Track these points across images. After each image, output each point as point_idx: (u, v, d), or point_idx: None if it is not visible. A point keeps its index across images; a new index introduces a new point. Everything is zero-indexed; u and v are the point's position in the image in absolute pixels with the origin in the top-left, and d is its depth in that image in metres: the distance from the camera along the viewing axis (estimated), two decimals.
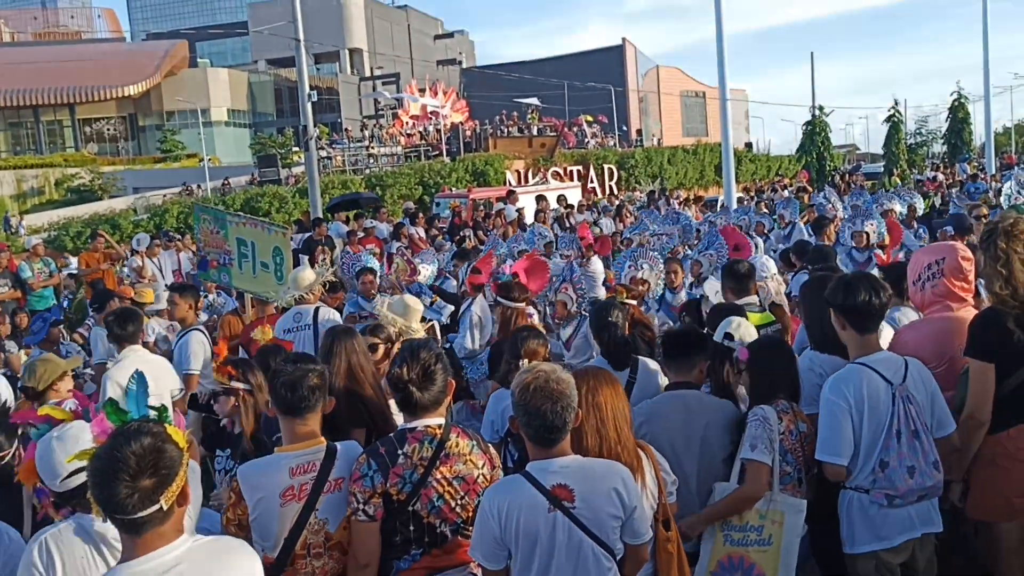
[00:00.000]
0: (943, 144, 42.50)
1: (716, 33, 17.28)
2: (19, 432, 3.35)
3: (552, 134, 31.99)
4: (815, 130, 30.87)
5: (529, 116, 33.34)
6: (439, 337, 7.04)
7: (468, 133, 31.92)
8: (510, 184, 25.46)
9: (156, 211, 27.22)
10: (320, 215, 16.91)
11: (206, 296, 9.48)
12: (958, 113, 38.28)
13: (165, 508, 2.01)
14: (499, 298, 5.72)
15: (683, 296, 7.12)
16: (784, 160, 40.88)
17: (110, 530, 2.43)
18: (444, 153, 30.35)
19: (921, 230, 11.04)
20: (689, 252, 9.96)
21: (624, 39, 67.25)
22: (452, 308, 8.36)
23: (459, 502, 2.93)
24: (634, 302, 5.45)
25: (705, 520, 3.36)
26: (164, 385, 5.15)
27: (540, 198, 17.13)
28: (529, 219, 15.67)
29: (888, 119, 35.45)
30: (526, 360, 3.79)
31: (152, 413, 2.19)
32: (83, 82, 52.94)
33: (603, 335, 4.32)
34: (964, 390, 3.44)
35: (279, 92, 64.48)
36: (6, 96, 52.15)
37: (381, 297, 6.76)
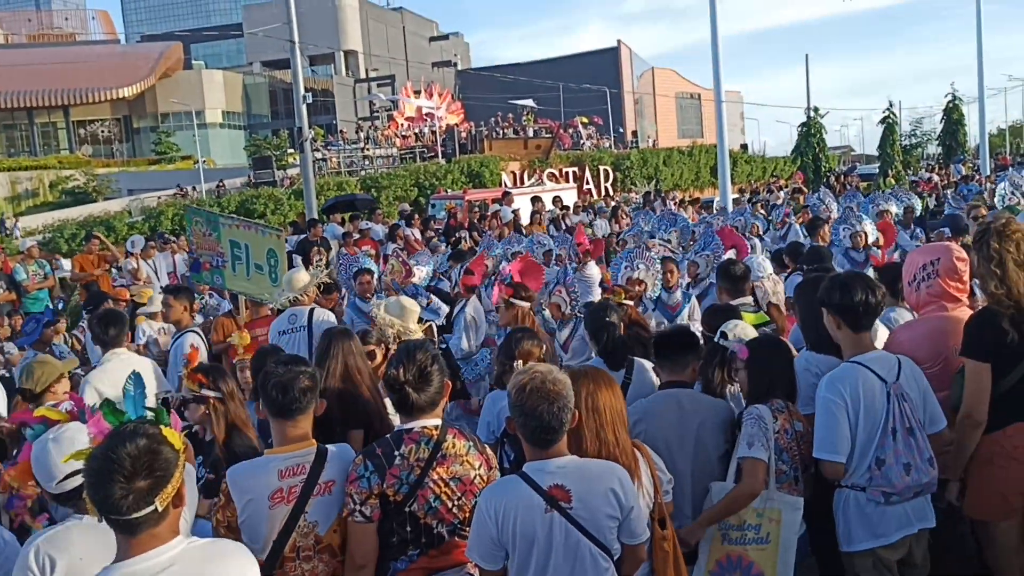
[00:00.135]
0: (938, 145, 42.57)
1: (711, 35, 17.37)
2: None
3: (548, 136, 32.05)
4: (811, 132, 30.90)
5: (524, 118, 33.37)
6: (436, 338, 7.03)
7: (463, 135, 31.97)
8: (506, 186, 25.51)
9: (151, 213, 27.20)
10: (315, 217, 16.89)
11: (200, 298, 9.46)
12: (952, 115, 38.34)
13: (160, 509, 2.00)
14: (513, 299, 5.70)
15: (679, 296, 7.12)
16: (780, 161, 41.01)
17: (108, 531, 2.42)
18: (439, 155, 30.39)
19: (918, 231, 11.06)
20: (684, 252, 9.95)
21: (619, 41, 67.54)
22: (448, 309, 8.37)
23: (456, 503, 2.92)
24: (631, 303, 5.46)
25: (704, 524, 3.36)
26: (148, 388, 5.12)
27: (536, 199, 17.14)
28: (525, 221, 15.68)
29: (883, 121, 35.47)
30: (520, 361, 3.79)
31: (149, 414, 2.18)
32: (77, 84, 52.84)
33: (599, 335, 4.33)
34: (959, 390, 3.45)
35: (274, 94, 64.40)
36: (0, 98, 52.00)
37: (377, 299, 6.75)
